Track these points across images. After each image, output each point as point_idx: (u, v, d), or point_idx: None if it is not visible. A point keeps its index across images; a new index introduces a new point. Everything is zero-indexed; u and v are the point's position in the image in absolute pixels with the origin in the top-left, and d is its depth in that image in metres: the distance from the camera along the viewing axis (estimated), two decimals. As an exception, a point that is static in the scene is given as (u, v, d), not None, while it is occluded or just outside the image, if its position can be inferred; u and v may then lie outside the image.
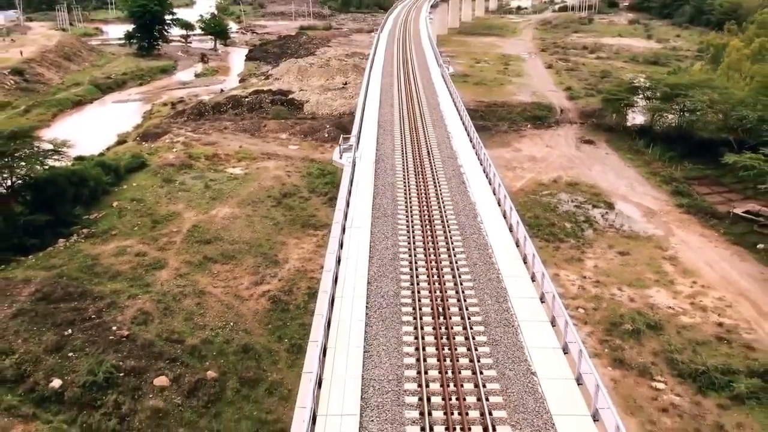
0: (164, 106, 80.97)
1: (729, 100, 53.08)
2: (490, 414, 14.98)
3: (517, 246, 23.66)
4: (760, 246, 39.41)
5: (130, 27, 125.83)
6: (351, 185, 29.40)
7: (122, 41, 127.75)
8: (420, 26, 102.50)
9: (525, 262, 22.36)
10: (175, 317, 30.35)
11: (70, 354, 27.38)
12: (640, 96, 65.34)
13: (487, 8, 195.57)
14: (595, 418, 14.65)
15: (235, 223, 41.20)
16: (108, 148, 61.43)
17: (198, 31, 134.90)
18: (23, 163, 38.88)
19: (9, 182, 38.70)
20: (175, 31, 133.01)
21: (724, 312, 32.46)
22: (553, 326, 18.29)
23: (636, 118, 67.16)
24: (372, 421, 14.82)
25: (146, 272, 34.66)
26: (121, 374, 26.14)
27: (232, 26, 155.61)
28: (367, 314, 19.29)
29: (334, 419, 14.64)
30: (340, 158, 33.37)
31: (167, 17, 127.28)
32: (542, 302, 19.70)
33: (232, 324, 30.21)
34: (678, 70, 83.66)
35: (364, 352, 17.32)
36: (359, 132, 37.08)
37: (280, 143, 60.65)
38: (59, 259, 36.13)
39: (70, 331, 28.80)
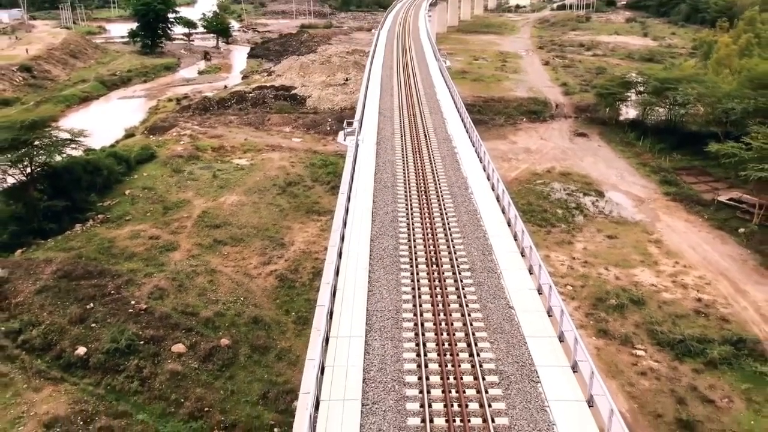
0: (169, 102, 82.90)
1: (716, 94, 55.13)
2: (474, 335, 17.91)
3: (503, 213, 26.32)
4: (741, 230, 41.50)
5: (133, 25, 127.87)
6: (354, 162, 32.10)
7: (125, 39, 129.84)
8: (419, 23, 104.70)
9: (509, 225, 25.14)
10: (189, 293, 32.46)
11: (93, 325, 29.51)
12: (632, 91, 67.33)
13: (486, 7, 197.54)
14: (561, 338, 17.44)
15: (242, 210, 43.29)
16: (117, 142, 63.33)
17: (200, 29, 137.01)
18: (42, 152, 40.90)
19: (28, 170, 40.69)
20: (178, 29, 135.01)
21: (703, 289, 34.59)
22: (530, 273, 21.15)
23: (628, 112, 69.21)
24: (375, 339, 17.75)
25: (160, 253, 36.79)
26: (141, 342, 28.28)
27: (234, 25, 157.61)
28: (370, 264, 22.17)
29: (344, 340, 17.48)
30: (344, 140, 35.70)
31: (170, 15, 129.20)
32: (522, 256, 22.60)
33: (242, 299, 32.33)
34: (671, 66, 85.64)
35: (368, 291, 20.20)
36: (362, 117, 39.73)
37: (284, 136, 62.73)
38: (77, 242, 38.26)
39: (91, 305, 30.92)
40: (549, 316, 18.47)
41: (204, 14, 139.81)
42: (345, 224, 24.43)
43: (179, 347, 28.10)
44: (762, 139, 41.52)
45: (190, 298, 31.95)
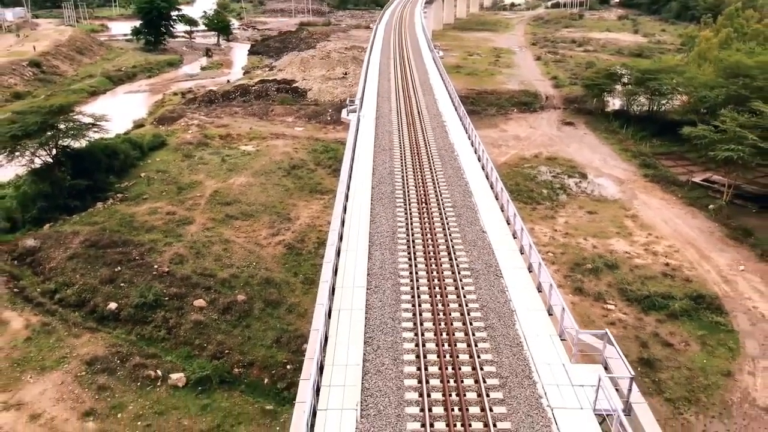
0: (175, 96, 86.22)
1: (693, 83, 58.71)
2: (453, 248, 23.25)
3: (483, 169, 30.93)
4: (711, 206, 45.07)
5: (133, 23, 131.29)
6: (357, 132, 36.58)
7: (128, 37, 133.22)
8: (415, 19, 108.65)
9: (487, 178, 29.79)
10: (206, 259, 35.85)
11: (122, 284, 32.93)
12: (619, 83, 70.77)
13: (482, 5, 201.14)
14: (521, 251, 21.88)
15: (251, 189, 46.68)
16: (127, 132, 66.57)
17: (201, 27, 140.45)
18: (69, 134, 44.23)
19: (54, 152, 44.02)
20: (179, 27, 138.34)
21: (672, 255, 38.14)
22: (502, 211, 25.68)
23: (614, 103, 72.75)
24: (376, 251, 22.98)
25: (177, 226, 40.13)
26: (166, 298, 31.68)
27: (234, 23, 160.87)
28: (371, 202, 26.94)
29: (351, 252, 22.13)
30: (348, 116, 39.65)
31: (173, 13, 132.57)
32: (496, 199, 27.14)
33: (254, 264, 35.73)
34: (658, 61, 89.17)
35: (370, 221, 24.84)
36: (362, 97, 44.63)
37: (287, 125, 66.15)
38: (100, 217, 41.57)
39: (119, 268, 34.32)
40: (514, 238, 22.95)
41: (205, 12, 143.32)
42: (350, 177, 28.73)
43: (200, 302, 31.52)
44: (730, 123, 45.05)
45: (207, 263, 35.33)
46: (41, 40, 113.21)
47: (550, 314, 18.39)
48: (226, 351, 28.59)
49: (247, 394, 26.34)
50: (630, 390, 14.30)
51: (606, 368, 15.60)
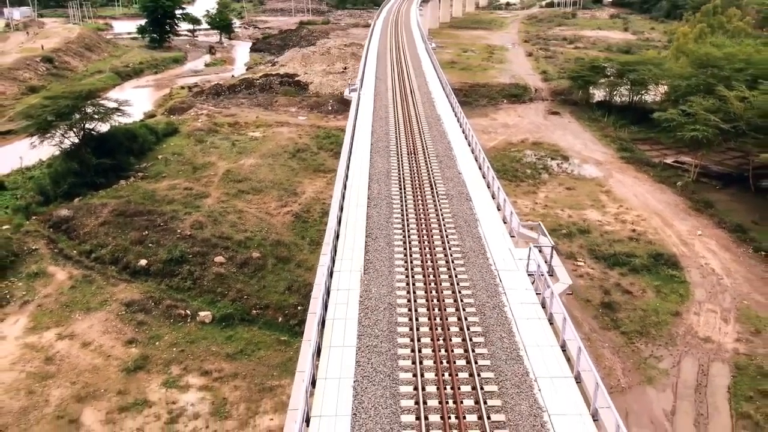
0: (182, 90, 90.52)
1: (668, 74, 63.29)
2: (434, 181, 29.34)
3: (463, 133, 36.53)
4: (679, 183, 49.61)
5: (136, 22, 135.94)
6: (358, 105, 42.52)
7: (132, 35, 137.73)
8: (411, 15, 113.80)
9: (466, 138, 35.38)
10: (223, 225, 40.23)
11: (150, 245, 37.33)
12: (601, 75, 75.31)
13: (478, 4, 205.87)
14: (489, 186, 26.78)
15: (260, 169, 51.10)
16: (142, 120, 70.92)
17: (204, 25, 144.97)
18: (96, 117, 48.67)
19: (81, 134, 48.43)
20: (183, 26, 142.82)
21: (639, 223, 42.64)
22: (476, 161, 31.19)
23: (598, 94, 77.25)
24: (374, 184, 29.75)
25: (195, 199, 44.53)
26: (190, 255, 36.07)
27: (235, 21, 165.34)
28: (370, 154, 33.26)
29: (356, 186, 28.10)
30: (349, 94, 44.54)
31: (177, 12, 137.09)
32: (476, 161, 32.26)
33: (266, 229, 40.14)
34: (641, 55, 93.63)
35: (370, 165, 31.21)
36: (362, 78, 50.44)
37: (291, 115, 70.59)
38: (124, 192, 45.97)
39: (146, 232, 38.71)
40: (484, 179, 28.52)
41: (208, 11, 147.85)
42: (353, 136, 34.50)
43: (220, 258, 35.93)
44: (696, 107, 49.59)
45: (224, 228, 39.72)
46: (51, 37, 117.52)
47: (505, 222, 25.07)
48: (245, 297, 33.01)
49: (264, 329, 30.76)
50: (551, 256, 20.47)
51: (540, 250, 21.35)
